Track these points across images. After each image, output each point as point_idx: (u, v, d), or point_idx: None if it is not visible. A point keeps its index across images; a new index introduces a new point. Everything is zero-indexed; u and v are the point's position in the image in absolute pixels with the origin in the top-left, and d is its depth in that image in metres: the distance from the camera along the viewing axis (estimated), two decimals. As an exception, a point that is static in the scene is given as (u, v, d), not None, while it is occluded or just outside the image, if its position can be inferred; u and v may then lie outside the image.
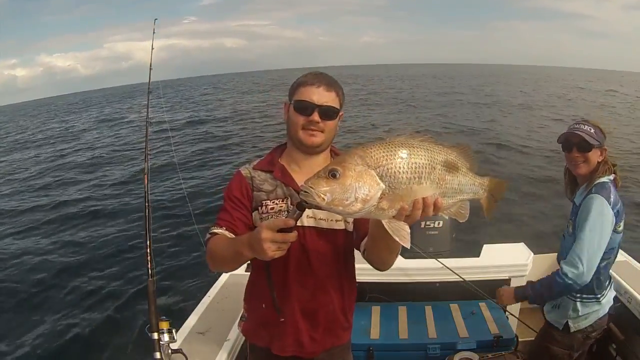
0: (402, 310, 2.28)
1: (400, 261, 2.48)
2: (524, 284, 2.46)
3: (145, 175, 1.80)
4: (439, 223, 2.70)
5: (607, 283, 1.74)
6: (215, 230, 1.27)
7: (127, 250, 5.90)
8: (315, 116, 1.24)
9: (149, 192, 1.76)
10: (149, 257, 1.61)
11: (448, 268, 2.13)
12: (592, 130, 1.65)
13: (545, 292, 1.67)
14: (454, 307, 2.30)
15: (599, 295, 1.70)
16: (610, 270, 1.74)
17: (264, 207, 1.29)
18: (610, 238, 1.62)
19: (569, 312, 1.71)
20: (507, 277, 2.41)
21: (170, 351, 1.48)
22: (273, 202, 1.29)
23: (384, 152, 0.88)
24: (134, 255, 5.65)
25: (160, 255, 5.39)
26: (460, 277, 2.12)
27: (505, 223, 6.32)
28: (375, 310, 2.30)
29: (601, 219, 1.56)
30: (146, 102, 2.01)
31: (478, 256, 2.48)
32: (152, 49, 2.16)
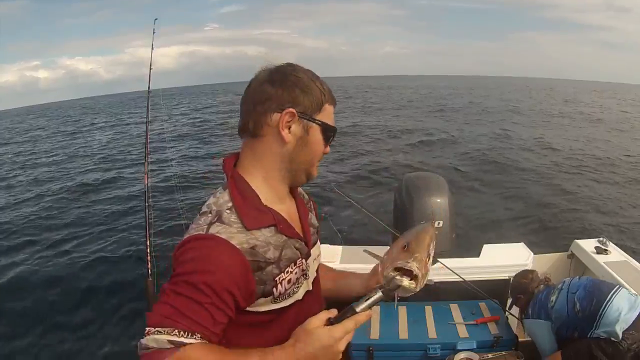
0: (402, 310, 2.28)
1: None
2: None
3: (145, 175, 1.81)
4: (438, 223, 2.70)
5: (598, 307, 1.79)
6: (186, 340, 0.73)
7: (126, 250, 5.90)
8: (327, 148, 0.94)
9: (148, 192, 1.76)
10: (148, 257, 1.62)
11: (448, 268, 2.13)
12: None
13: None
14: (454, 307, 2.30)
15: (598, 317, 1.77)
16: (610, 299, 1.78)
17: (280, 287, 0.88)
18: (554, 312, 1.90)
19: (608, 329, 1.76)
20: (507, 277, 2.41)
21: (170, 351, 1.47)
22: (287, 273, 0.89)
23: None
24: (133, 255, 5.65)
25: (160, 256, 5.39)
26: (460, 277, 2.12)
27: (505, 223, 6.33)
28: (375, 310, 2.29)
29: (536, 338, 2.00)
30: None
31: (478, 256, 2.48)
32: (152, 48, 2.16)
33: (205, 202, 0.90)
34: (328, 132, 0.91)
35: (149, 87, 2.04)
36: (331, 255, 2.50)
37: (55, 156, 14.68)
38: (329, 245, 2.63)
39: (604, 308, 1.77)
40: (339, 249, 2.62)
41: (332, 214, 6.11)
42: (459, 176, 8.85)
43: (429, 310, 2.28)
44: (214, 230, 0.82)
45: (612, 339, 1.74)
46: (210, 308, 0.76)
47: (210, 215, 0.84)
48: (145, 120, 1.97)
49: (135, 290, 4.71)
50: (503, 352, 1.97)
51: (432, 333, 2.10)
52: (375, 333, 2.11)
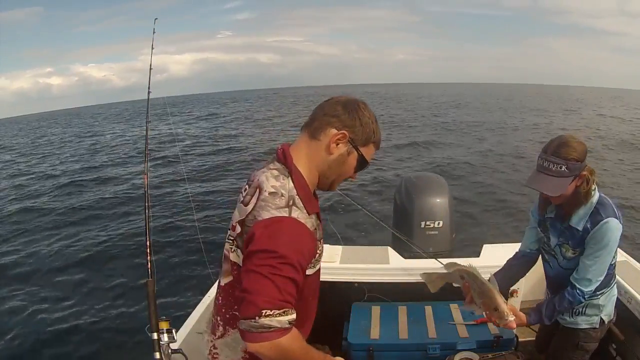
0: (402, 310, 2.27)
1: (400, 261, 2.48)
2: (523, 284, 2.46)
3: (145, 175, 1.80)
4: (439, 223, 2.70)
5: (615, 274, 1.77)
6: (293, 316, 0.96)
7: (126, 250, 5.90)
8: (355, 175, 1.17)
9: (149, 192, 1.76)
10: (148, 257, 1.61)
11: None
12: (563, 168, 1.46)
13: (554, 312, 1.68)
14: (454, 307, 2.29)
15: (612, 283, 1.74)
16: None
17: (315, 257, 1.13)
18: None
19: (599, 309, 1.72)
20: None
21: (170, 351, 1.47)
22: (319, 249, 1.14)
23: None
24: (133, 255, 5.66)
25: (160, 255, 5.40)
26: None
27: (505, 223, 6.33)
28: (375, 310, 2.29)
29: (615, 242, 1.55)
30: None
31: (478, 256, 2.48)
32: (153, 48, 2.16)
33: (258, 179, 1.08)
34: (362, 163, 1.13)
35: (149, 87, 2.04)
36: (331, 256, 2.49)
37: (63, 160, 14.70)
38: (329, 245, 2.63)
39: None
40: (338, 249, 2.62)
41: (332, 214, 6.12)
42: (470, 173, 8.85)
43: (429, 310, 2.27)
44: (295, 214, 1.01)
45: (603, 317, 1.71)
46: (297, 284, 0.98)
47: (284, 198, 1.02)
48: (146, 120, 1.97)
49: (135, 290, 4.72)
50: (503, 352, 1.96)
51: (432, 333, 2.09)
52: (375, 333, 2.11)
